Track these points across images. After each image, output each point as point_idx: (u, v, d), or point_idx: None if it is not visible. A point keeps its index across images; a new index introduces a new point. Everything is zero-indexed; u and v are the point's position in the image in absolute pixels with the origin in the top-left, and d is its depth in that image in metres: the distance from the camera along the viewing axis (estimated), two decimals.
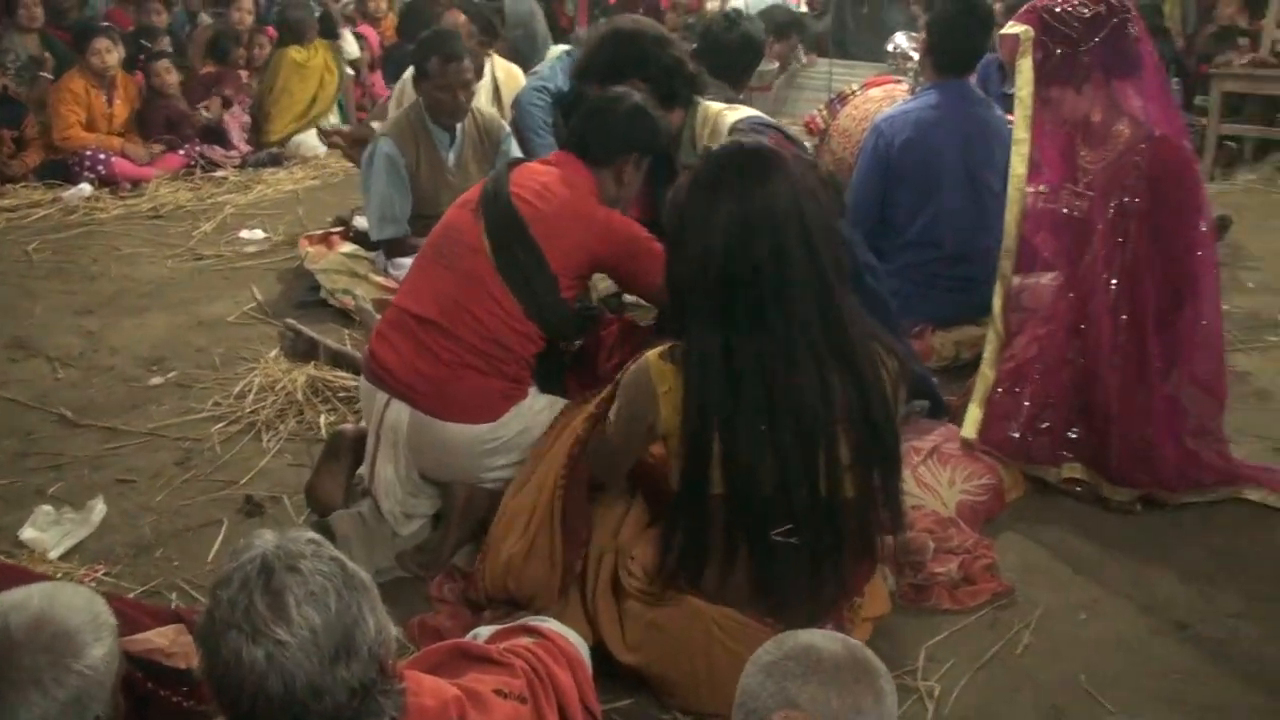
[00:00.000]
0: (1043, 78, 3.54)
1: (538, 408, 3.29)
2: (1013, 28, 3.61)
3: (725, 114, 3.89)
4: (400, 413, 3.24)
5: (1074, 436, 3.62)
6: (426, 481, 3.38)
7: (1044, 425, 3.66)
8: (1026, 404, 3.67)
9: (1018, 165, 3.64)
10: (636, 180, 3.39)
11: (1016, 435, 3.66)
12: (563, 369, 3.62)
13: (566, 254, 3.19)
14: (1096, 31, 3.49)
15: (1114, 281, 3.54)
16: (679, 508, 2.62)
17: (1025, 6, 3.64)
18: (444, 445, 3.24)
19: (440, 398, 3.18)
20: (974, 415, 3.73)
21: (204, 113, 7.97)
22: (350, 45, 8.51)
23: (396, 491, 3.33)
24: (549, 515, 2.82)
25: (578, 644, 2.44)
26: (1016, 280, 3.72)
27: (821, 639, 1.73)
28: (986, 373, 3.78)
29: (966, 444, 3.71)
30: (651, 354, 2.62)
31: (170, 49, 8.45)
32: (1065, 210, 3.67)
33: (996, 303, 3.75)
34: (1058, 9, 3.54)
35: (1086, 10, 3.52)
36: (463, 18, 5.98)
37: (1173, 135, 3.58)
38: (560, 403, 3.30)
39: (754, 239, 2.47)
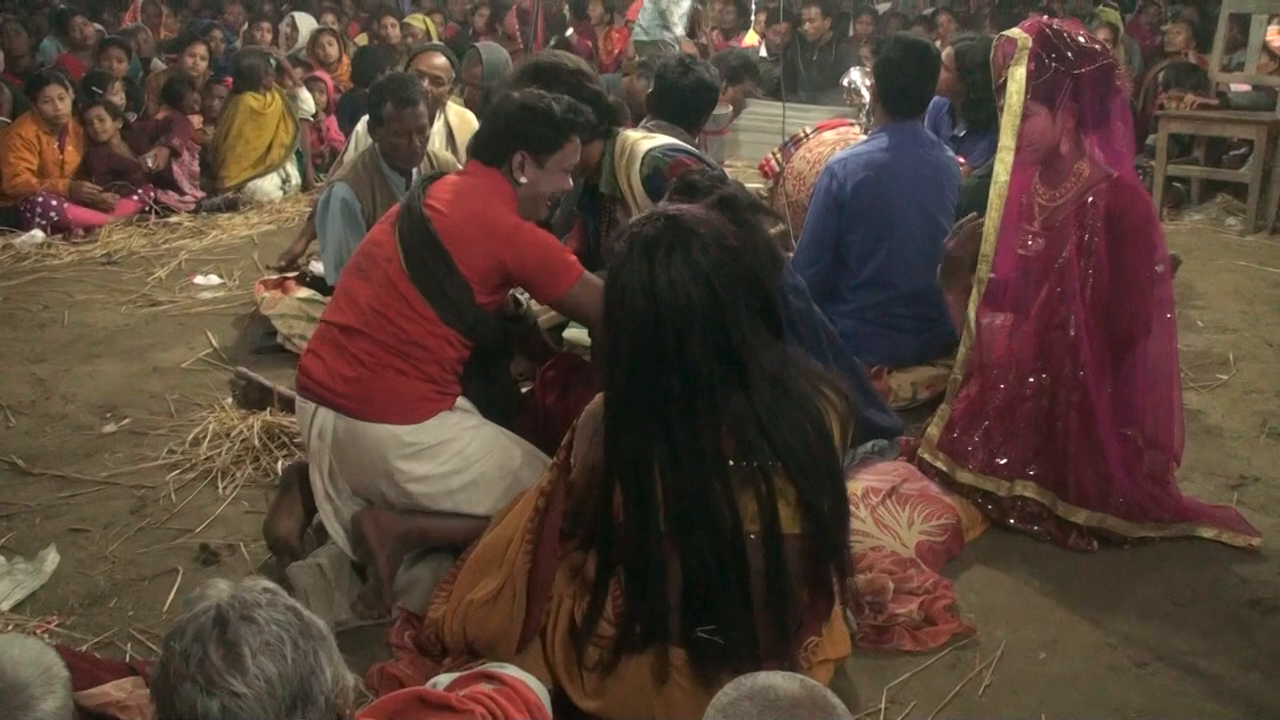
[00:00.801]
0: (1029, 89, 3.58)
1: (467, 424, 3.37)
2: (1013, 33, 3.66)
3: (641, 142, 4.12)
4: (325, 419, 3.32)
5: (1031, 473, 3.65)
6: (356, 497, 3.41)
7: (1001, 461, 3.69)
8: (979, 439, 3.72)
9: (1001, 173, 3.66)
10: (543, 179, 3.40)
11: (974, 447, 3.73)
12: (511, 399, 3.66)
13: (474, 260, 3.26)
14: (1089, 62, 3.55)
15: (1073, 319, 3.58)
16: (626, 548, 2.63)
17: (1028, 21, 3.71)
18: (364, 446, 3.28)
19: (360, 398, 3.27)
20: (941, 415, 3.83)
21: (149, 163, 7.91)
22: (306, 101, 8.51)
23: (328, 505, 3.38)
24: (513, 568, 2.80)
25: (538, 690, 2.42)
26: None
27: (780, 679, 1.73)
28: (943, 408, 3.86)
29: (930, 441, 3.80)
30: (603, 394, 2.66)
31: (123, 95, 8.40)
32: (1019, 251, 3.72)
33: (971, 309, 3.77)
34: (1059, 29, 3.61)
35: (1084, 41, 3.61)
36: (441, 59, 5.96)
37: (1126, 177, 3.64)
38: (504, 435, 3.40)
39: (658, 316, 2.48)
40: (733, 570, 2.55)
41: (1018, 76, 3.58)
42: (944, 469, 3.77)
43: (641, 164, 4.07)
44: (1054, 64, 3.54)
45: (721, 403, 2.52)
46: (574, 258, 3.41)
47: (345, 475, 3.37)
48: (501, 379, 3.76)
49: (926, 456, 3.84)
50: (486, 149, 3.42)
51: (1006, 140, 3.64)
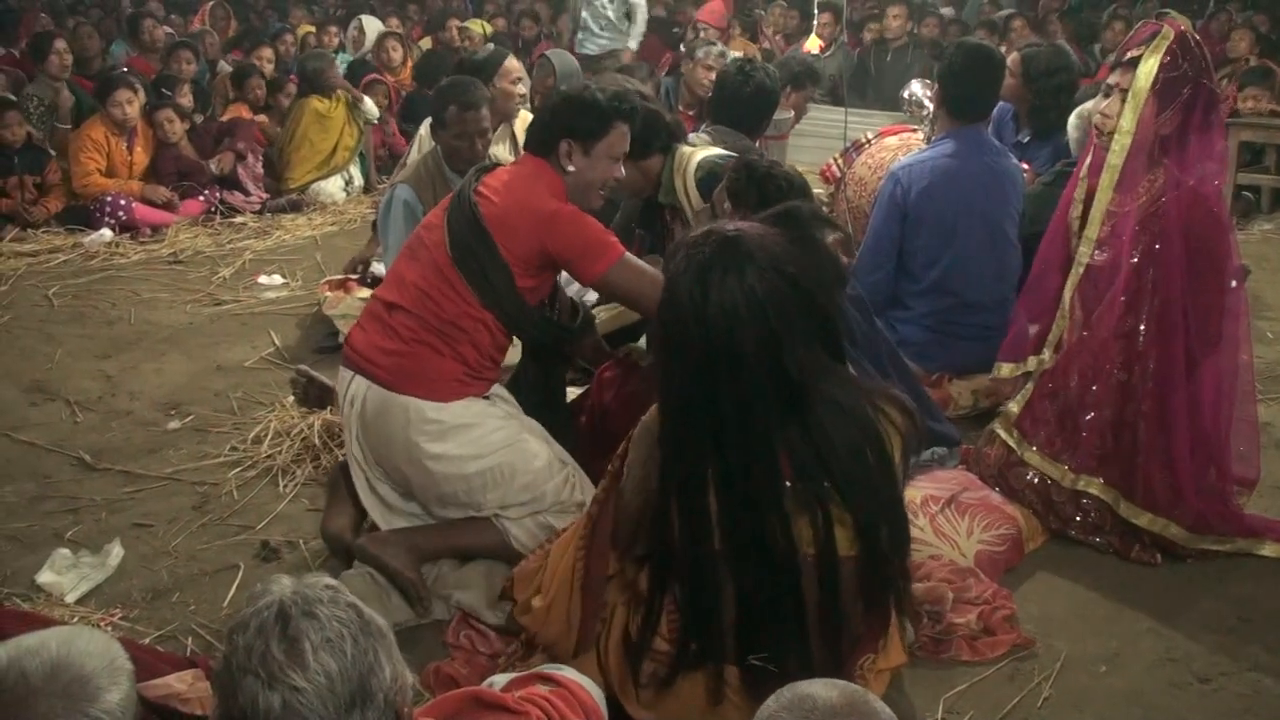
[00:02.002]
0: (1157, 81, 3.53)
1: (495, 413, 3.43)
2: (1159, 23, 3.61)
3: (694, 154, 4.34)
4: (359, 386, 3.40)
5: (1097, 473, 3.62)
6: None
7: (1068, 454, 3.67)
8: (1053, 424, 3.72)
9: (1116, 155, 3.59)
10: (591, 166, 3.43)
11: (1049, 433, 3.73)
12: (561, 411, 3.73)
13: (517, 244, 3.32)
14: (1211, 78, 3.56)
15: (1141, 328, 3.55)
16: (681, 566, 2.61)
17: (1171, 18, 3.65)
18: (389, 417, 3.34)
19: (394, 370, 3.34)
20: (1024, 394, 3.83)
21: (214, 167, 8.01)
22: (370, 108, 8.59)
23: (361, 475, 3.45)
24: (569, 578, 2.80)
25: (595, 694, 2.43)
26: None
27: (820, 688, 1.70)
28: (1027, 387, 3.85)
29: (1008, 415, 3.81)
30: (658, 410, 2.65)
31: (190, 97, 8.52)
32: (1091, 259, 3.68)
33: (1067, 292, 3.72)
34: (1199, 39, 3.58)
35: (1210, 62, 3.61)
36: (515, 61, 6.00)
37: (1203, 187, 3.58)
38: (532, 434, 3.43)
39: (710, 341, 2.45)
40: (787, 593, 2.52)
41: (1150, 64, 3.53)
42: (1013, 445, 3.76)
43: (697, 167, 4.24)
44: (1186, 65, 3.50)
45: (776, 427, 2.47)
46: (615, 239, 3.44)
47: (370, 448, 3.43)
48: (557, 382, 3.79)
49: (1001, 432, 3.82)
50: (535, 140, 3.48)
51: (1126, 124, 3.56)
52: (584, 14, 10.11)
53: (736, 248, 2.47)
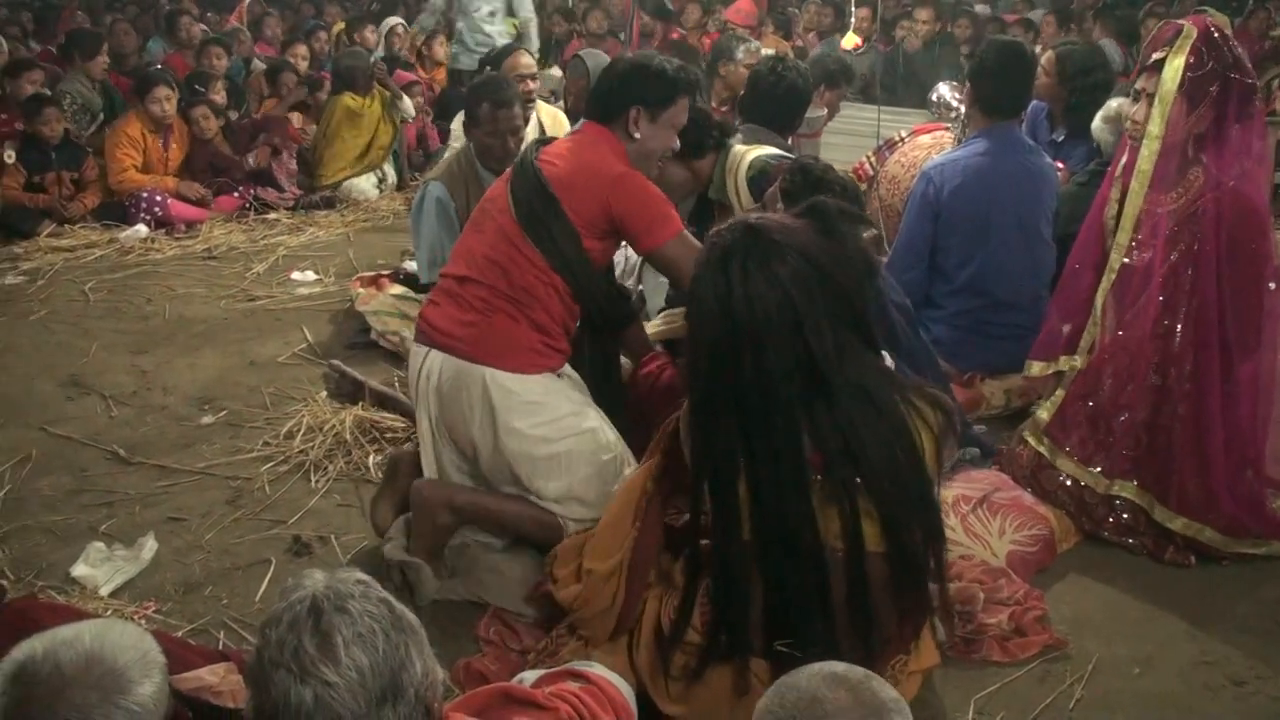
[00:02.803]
0: (1183, 81, 3.51)
1: (571, 396, 3.44)
2: (1181, 22, 3.59)
3: (747, 153, 4.38)
4: (434, 361, 3.42)
5: (1132, 476, 3.60)
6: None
7: (1102, 458, 3.65)
8: (1086, 431, 3.69)
9: (1146, 160, 3.57)
10: (655, 135, 3.47)
11: (1081, 436, 3.70)
12: (618, 388, 3.77)
13: (583, 206, 3.34)
14: (1243, 73, 3.52)
15: (1179, 329, 3.52)
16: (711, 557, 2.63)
17: (1194, 15, 3.64)
18: (467, 385, 3.35)
19: (473, 340, 3.36)
20: (1054, 400, 3.80)
21: (250, 161, 8.06)
22: (407, 106, 8.60)
23: (431, 450, 3.48)
24: (620, 551, 2.81)
25: (624, 691, 2.43)
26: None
27: (827, 691, 1.68)
28: (1059, 393, 3.82)
29: (1038, 423, 3.79)
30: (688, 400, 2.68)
31: (225, 94, 8.58)
32: (1125, 260, 3.66)
33: (1099, 297, 3.70)
34: (1225, 33, 3.56)
35: (1242, 52, 3.58)
36: (527, 58, 6.01)
37: (1243, 186, 3.55)
38: (605, 426, 3.42)
39: (734, 328, 2.46)
40: (814, 585, 2.52)
41: (1175, 66, 3.50)
42: (1045, 453, 3.73)
43: (749, 166, 4.28)
44: (1212, 62, 3.47)
45: (801, 416, 2.47)
46: (676, 213, 3.46)
47: (446, 421, 3.44)
48: (612, 369, 3.80)
49: (1031, 439, 3.79)
50: (600, 107, 3.50)
51: (1154, 129, 3.54)
52: (460, 26, 9.61)
53: (759, 234, 2.51)
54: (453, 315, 3.41)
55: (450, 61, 9.79)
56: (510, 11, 9.44)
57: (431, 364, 3.42)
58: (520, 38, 9.12)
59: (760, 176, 4.19)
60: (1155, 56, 3.58)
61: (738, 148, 4.44)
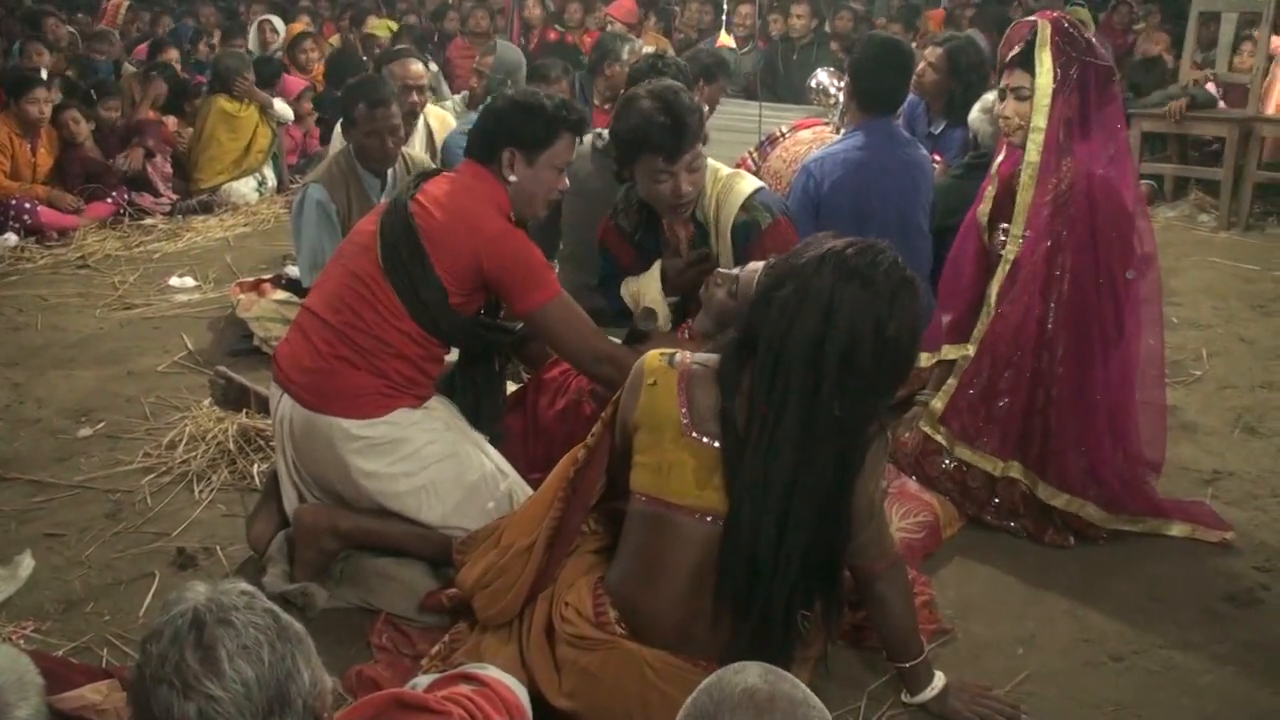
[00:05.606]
0: (1055, 75, 3.59)
1: (428, 425, 3.31)
2: (1032, 19, 3.68)
3: (740, 182, 3.82)
4: (285, 407, 3.32)
5: (1016, 456, 3.70)
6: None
7: (992, 441, 3.73)
8: (981, 418, 3.76)
9: (1033, 153, 3.64)
10: (534, 178, 3.31)
11: (974, 422, 3.77)
12: (499, 407, 3.64)
13: (453, 263, 3.21)
14: (1097, 57, 3.61)
15: (1051, 314, 3.63)
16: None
17: (1039, 11, 3.75)
18: (316, 437, 3.27)
19: (313, 389, 3.26)
20: (946, 389, 3.85)
21: (123, 164, 7.85)
22: (283, 110, 8.45)
23: (292, 491, 3.40)
24: (537, 526, 2.84)
25: (518, 691, 2.42)
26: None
27: (748, 676, 1.69)
28: (950, 382, 3.86)
29: (934, 413, 3.83)
30: (652, 353, 2.72)
31: (58, 91, 8.28)
32: (999, 252, 3.75)
33: (993, 287, 3.76)
34: (1075, 21, 3.67)
35: (1093, 39, 3.69)
36: (418, 66, 5.89)
37: (1110, 173, 3.65)
38: (470, 445, 3.36)
39: (862, 360, 2.48)
40: (722, 573, 2.56)
41: (1045, 60, 3.59)
42: (943, 443, 3.80)
43: (740, 209, 3.76)
44: (1068, 49, 3.58)
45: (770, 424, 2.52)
46: (554, 278, 3.36)
47: (304, 466, 3.37)
48: (491, 387, 3.64)
49: (927, 429, 3.85)
50: (479, 146, 3.35)
51: (1038, 121, 3.62)
52: None
53: (905, 274, 2.55)
54: (299, 360, 3.30)
55: None
56: None
57: (284, 409, 3.33)
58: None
59: (745, 228, 3.72)
60: (1011, 54, 3.71)
61: (722, 170, 3.90)
